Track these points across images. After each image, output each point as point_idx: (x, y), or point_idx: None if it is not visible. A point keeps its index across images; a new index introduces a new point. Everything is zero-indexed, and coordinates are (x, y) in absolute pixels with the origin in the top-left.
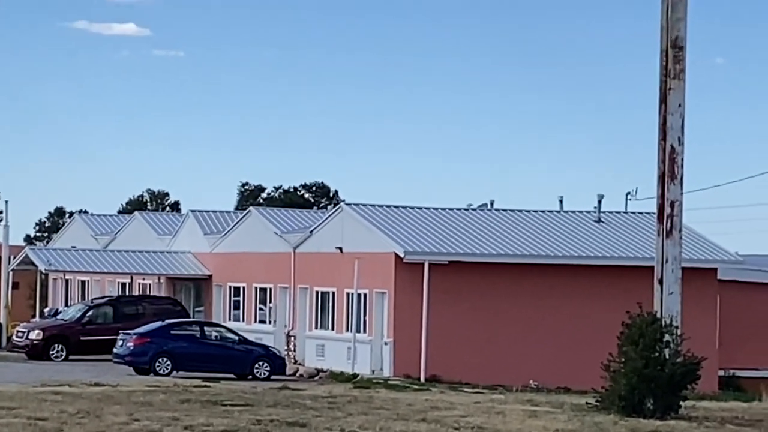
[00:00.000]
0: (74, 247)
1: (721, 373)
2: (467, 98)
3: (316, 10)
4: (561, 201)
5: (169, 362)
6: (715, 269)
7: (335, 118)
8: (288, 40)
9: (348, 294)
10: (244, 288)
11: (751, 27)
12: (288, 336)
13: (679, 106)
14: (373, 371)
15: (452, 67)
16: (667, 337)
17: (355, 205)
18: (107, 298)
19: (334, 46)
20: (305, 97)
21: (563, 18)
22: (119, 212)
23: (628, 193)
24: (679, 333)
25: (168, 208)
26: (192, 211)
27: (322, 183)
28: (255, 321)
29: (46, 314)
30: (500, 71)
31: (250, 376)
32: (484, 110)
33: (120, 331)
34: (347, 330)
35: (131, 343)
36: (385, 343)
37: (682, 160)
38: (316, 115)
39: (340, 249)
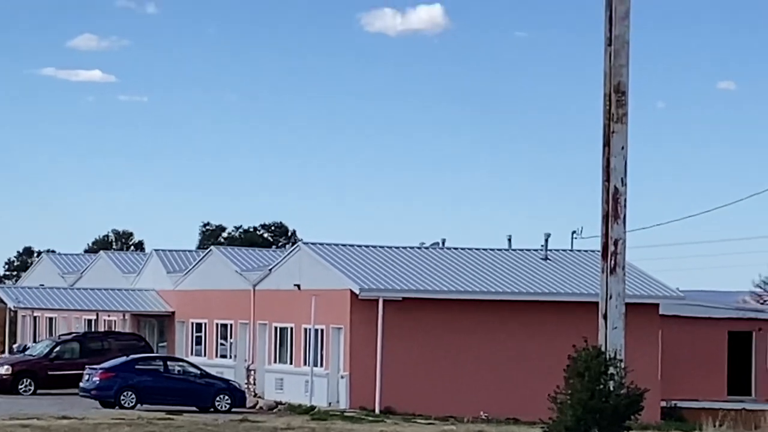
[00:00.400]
0: (42, 285)
1: (663, 404)
2: (419, 140)
3: (275, 55)
4: (510, 239)
5: (133, 396)
6: (658, 305)
7: (293, 159)
8: (248, 84)
9: (306, 329)
10: (205, 324)
11: (690, 71)
12: (248, 370)
13: (622, 148)
14: (330, 404)
15: (404, 110)
16: (611, 370)
17: (312, 244)
18: (74, 335)
19: (293, 90)
20: (265, 139)
21: (511, 61)
22: (85, 252)
23: (574, 231)
24: (623, 366)
25: (132, 248)
26: (155, 250)
27: (281, 223)
28: (216, 356)
29: (15, 350)
30: (450, 113)
31: (212, 409)
32: (437, 152)
33: (86, 366)
34: (305, 364)
35: (97, 378)
36: (342, 377)
37: (625, 200)
38: (275, 156)
39: (298, 286)
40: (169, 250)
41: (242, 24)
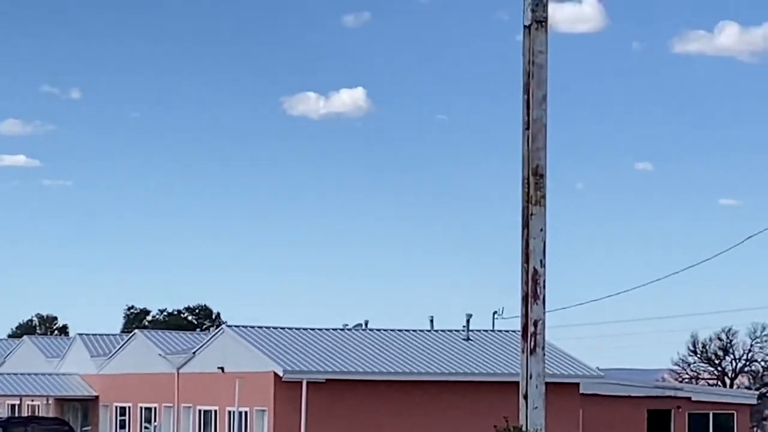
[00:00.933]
0: None
1: None
2: (343, 221)
3: (199, 138)
4: (432, 320)
5: None
6: (578, 384)
7: (217, 242)
8: (172, 168)
9: (230, 412)
10: (129, 408)
11: (608, 153)
12: None
13: (541, 230)
14: None
15: (326, 191)
16: None
17: (235, 326)
18: None
19: (217, 173)
20: (189, 223)
21: (433, 144)
22: (9, 336)
23: (495, 312)
24: None
25: (56, 332)
26: (79, 334)
27: (205, 306)
28: None
29: None
30: (372, 194)
31: None
32: (360, 233)
33: None
34: None
35: None
36: None
37: (544, 281)
38: (199, 239)
39: (222, 369)
40: (93, 334)
41: (165, 108)
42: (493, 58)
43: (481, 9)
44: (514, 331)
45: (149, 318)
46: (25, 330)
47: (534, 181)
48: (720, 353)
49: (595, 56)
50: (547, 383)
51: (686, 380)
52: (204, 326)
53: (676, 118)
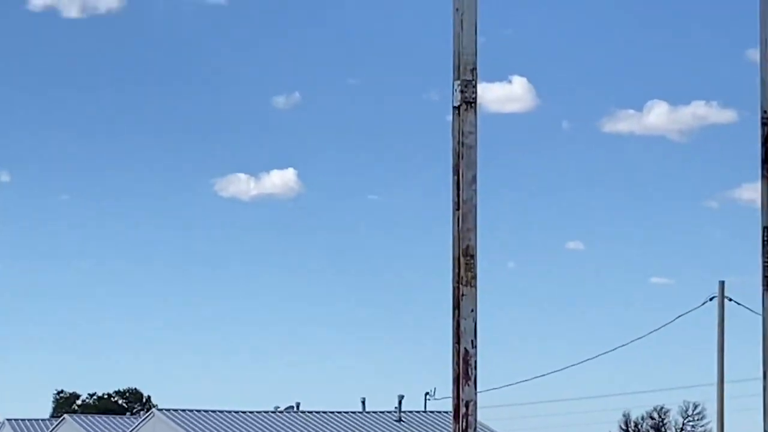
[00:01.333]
0: None
1: None
2: (275, 303)
3: (128, 223)
4: (363, 402)
5: None
6: None
7: (147, 325)
8: (102, 251)
9: None
10: None
11: (539, 232)
12: None
13: (472, 311)
14: None
15: (258, 272)
16: None
17: (166, 410)
18: None
19: (148, 257)
20: (118, 306)
21: (365, 224)
22: None
23: (427, 393)
24: None
25: None
26: (8, 419)
27: (135, 389)
28: None
29: None
30: (305, 277)
31: None
32: (293, 315)
33: None
34: None
35: None
36: None
37: (476, 362)
38: (129, 322)
39: None
40: (22, 419)
41: (93, 192)
42: (424, 138)
43: (411, 89)
44: (446, 413)
45: (79, 402)
46: None
47: (464, 262)
48: None
49: (526, 135)
50: None
51: None
52: (134, 410)
53: (607, 196)
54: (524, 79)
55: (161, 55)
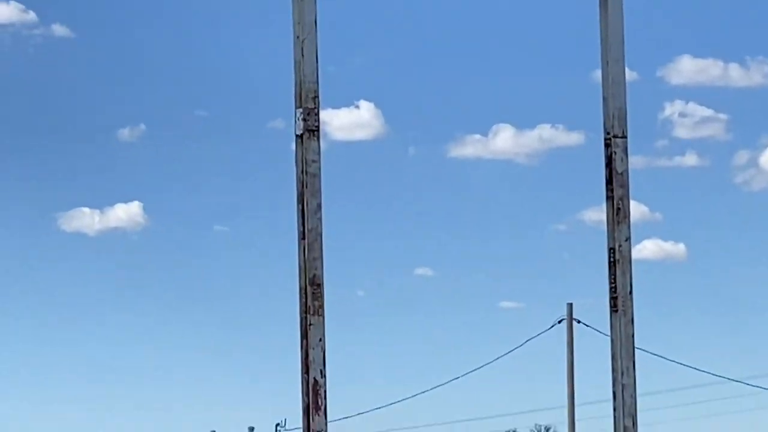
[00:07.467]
0: None
1: None
2: (121, 337)
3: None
4: None
5: None
6: None
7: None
8: None
9: None
10: None
11: (387, 260)
12: None
13: (320, 340)
14: None
15: (107, 312)
16: None
17: None
18: None
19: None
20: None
21: (211, 255)
22: None
23: (278, 424)
24: None
25: None
26: None
27: None
28: None
29: None
30: (152, 311)
31: None
32: (137, 349)
33: None
34: None
35: None
36: None
37: (326, 391)
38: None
39: None
40: None
41: None
42: (269, 168)
43: (255, 118)
44: None
45: None
46: None
47: (311, 291)
48: None
49: (373, 163)
50: None
51: None
52: None
53: (455, 222)
54: (371, 105)
55: (0, 87)
